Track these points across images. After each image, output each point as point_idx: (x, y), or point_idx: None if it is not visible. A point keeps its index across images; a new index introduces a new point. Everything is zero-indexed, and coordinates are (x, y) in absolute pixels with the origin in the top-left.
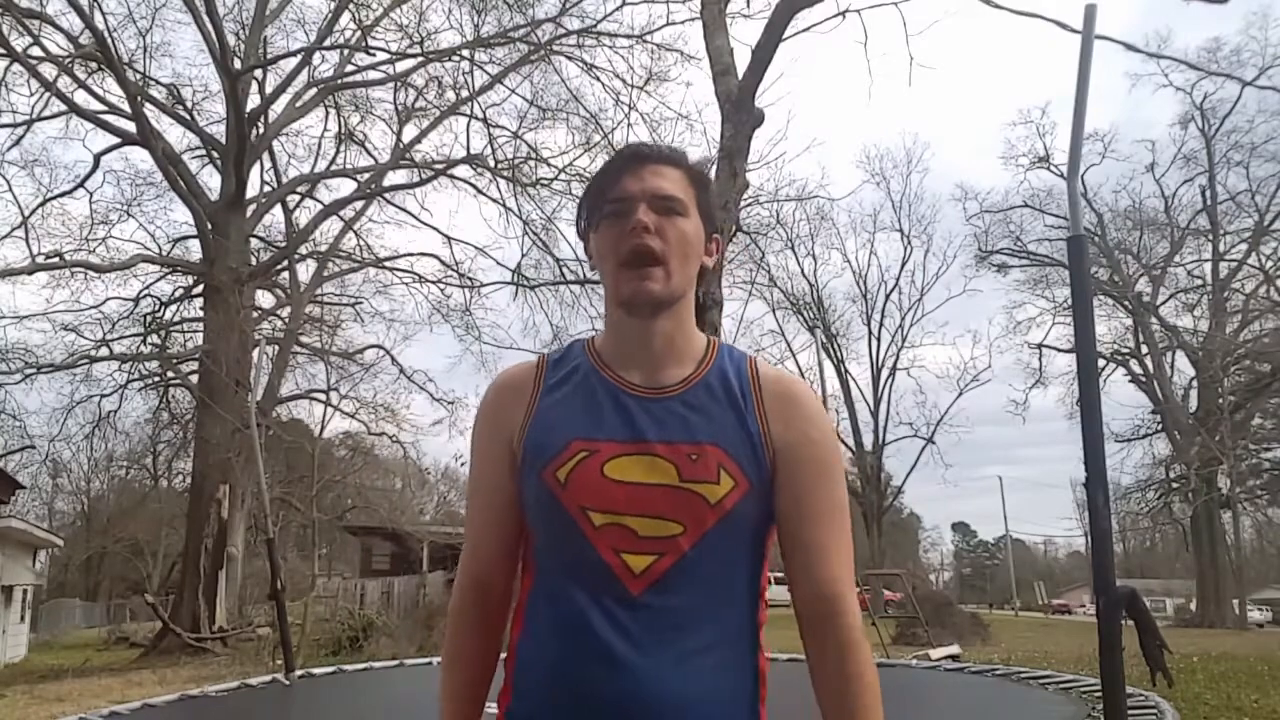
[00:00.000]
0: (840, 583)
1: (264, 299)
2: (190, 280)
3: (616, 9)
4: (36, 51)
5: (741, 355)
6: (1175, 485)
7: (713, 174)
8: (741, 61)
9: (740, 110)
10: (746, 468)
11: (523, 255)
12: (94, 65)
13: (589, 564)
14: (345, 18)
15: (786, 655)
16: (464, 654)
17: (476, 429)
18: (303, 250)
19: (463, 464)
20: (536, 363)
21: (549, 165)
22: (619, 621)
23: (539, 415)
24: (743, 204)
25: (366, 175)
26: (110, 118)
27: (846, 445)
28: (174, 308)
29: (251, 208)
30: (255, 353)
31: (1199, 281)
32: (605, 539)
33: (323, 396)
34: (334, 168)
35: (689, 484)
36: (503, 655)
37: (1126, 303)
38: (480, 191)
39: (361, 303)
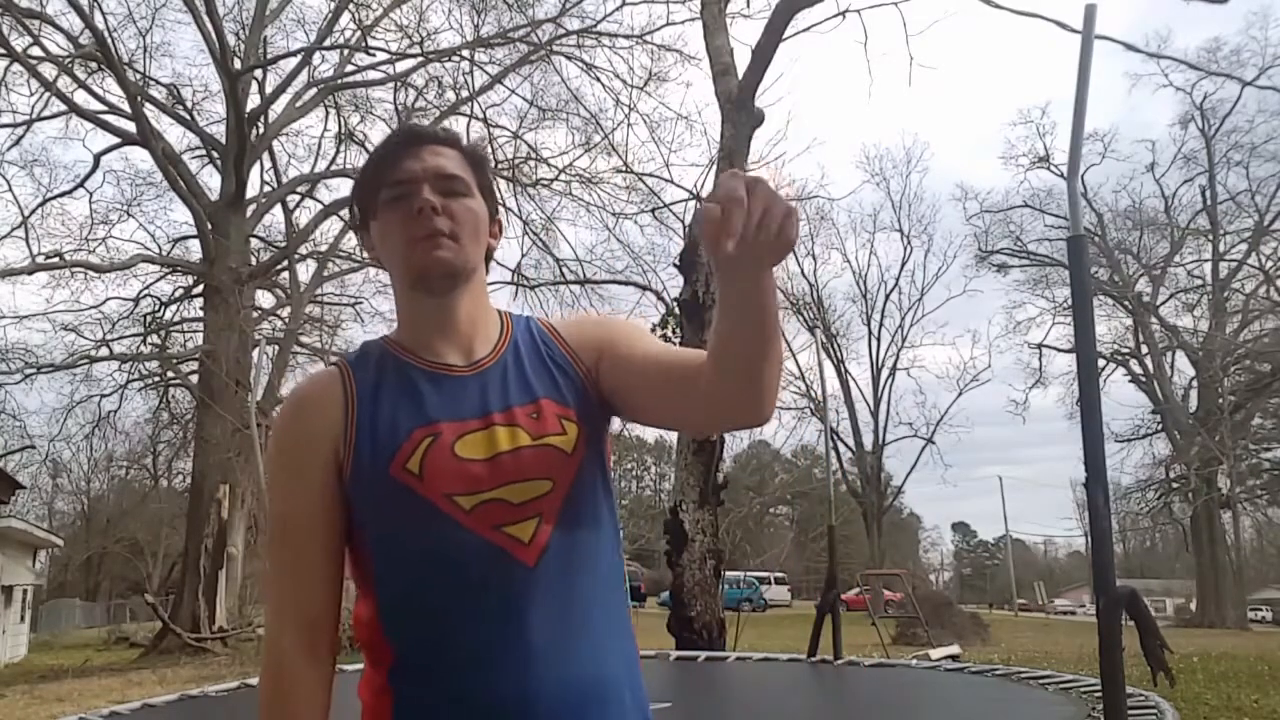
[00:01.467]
0: None
1: (264, 299)
2: (190, 280)
3: (616, 9)
4: (36, 51)
5: (529, 316)
6: (1175, 485)
7: (712, 174)
8: (741, 61)
9: (740, 110)
10: (578, 410)
11: (523, 255)
12: (94, 65)
13: (468, 558)
14: (345, 18)
15: (787, 655)
16: None
17: (280, 456)
18: (303, 250)
19: None
20: (337, 368)
21: (549, 165)
22: (525, 611)
23: (364, 415)
24: None
25: None
26: (110, 118)
27: (846, 445)
28: (174, 308)
29: (251, 208)
30: (255, 353)
31: (1199, 281)
32: (480, 520)
33: None
34: (334, 168)
35: (542, 440)
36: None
37: (1126, 303)
38: None
39: (361, 303)
